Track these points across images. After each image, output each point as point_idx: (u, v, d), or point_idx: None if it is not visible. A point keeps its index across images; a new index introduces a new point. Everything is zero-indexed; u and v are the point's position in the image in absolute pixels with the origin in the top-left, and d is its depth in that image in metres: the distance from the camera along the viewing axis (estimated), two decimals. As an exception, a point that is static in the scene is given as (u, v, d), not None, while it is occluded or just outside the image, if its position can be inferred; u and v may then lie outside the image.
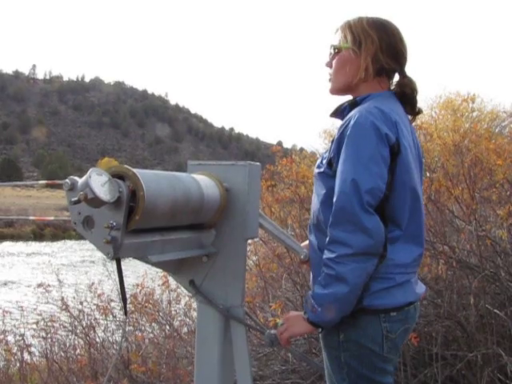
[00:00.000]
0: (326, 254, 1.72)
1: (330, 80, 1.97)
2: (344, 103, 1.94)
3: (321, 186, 1.85)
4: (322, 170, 1.85)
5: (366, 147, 1.71)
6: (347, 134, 1.75)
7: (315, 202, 1.89)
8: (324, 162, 1.86)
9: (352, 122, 1.75)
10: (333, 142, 1.82)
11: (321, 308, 1.71)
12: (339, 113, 1.96)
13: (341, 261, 1.68)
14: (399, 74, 1.94)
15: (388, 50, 1.88)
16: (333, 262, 1.69)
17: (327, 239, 1.73)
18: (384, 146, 1.72)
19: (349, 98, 1.97)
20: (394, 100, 1.90)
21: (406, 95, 1.92)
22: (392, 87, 1.94)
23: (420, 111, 2.00)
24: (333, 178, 1.78)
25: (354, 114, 1.79)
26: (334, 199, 1.72)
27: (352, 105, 1.89)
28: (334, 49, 1.94)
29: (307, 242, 2.12)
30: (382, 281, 1.76)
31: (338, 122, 1.97)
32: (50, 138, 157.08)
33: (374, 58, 1.87)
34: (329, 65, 1.96)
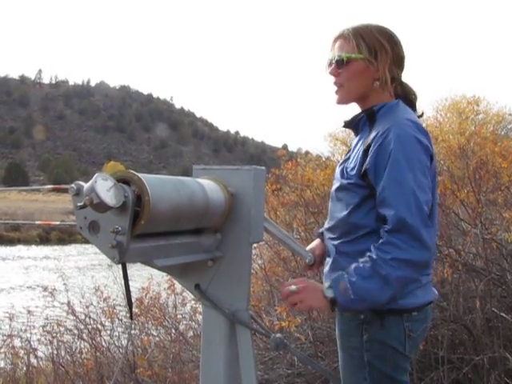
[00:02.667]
0: (379, 254, 1.72)
1: (338, 90, 1.96)
2: (360, 114, 1.95)
3: (351, 194, 1.87)
4: (352, 181, 1.86)
5: (416, 160, 1.76)
6: (391, 148, 1.76)
7: (340, 208, 1.91)
8: (352, 172, 1.87)
9: (392, 136, 1.77)
10: (365, 152, 1.83)
11: (355, 296, 1.72)
12: (354, 123, 1.97)
13: (394, 264, 1.70)
14: (398, 81, 1.97)
15: (397, 60, 1.93)
16: (385, 262, 1.71)
17: (382, 240, 1.74)
18: (427, 157, 1.79)
19: (353, 105, 1.99)
20: (408, 108, 1.94)
21: (411, 101, 1.97)
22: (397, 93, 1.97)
23: (422, 114, 2.04)
24: (366, 188, 1.82)
25: (385, 126, 1.80)
26: (390, 209, 1.74)
27: (370, 115, 1.91)
28: (347, 58, 1.91)
29: (312, 244, 2.13)
30: (410, 283, 1.80)
31: (344, 123, 2.02)
32: (55, 142, 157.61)
33: (388, 69, 1.90)
34: (336, 73, 1.94)
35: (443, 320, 3.59)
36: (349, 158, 1.94)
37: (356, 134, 2.00)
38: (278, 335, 1.94)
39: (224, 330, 2.00)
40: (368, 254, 1.75)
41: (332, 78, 1.97)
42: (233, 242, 1.99)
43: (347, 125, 2.02)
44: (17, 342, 5.68)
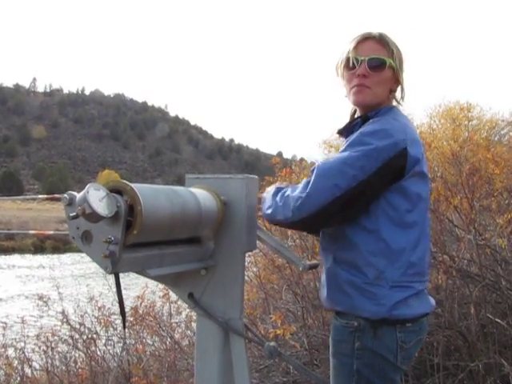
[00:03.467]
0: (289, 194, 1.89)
1: (360, 90, 1.94)
2: (356, 120, 1.97)
3: None
4: None
5: (369, 145, 1.79)
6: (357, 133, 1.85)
7: None
8: None
9: (365, 128, 1.85)
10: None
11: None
12: (349, 129, 1.99)
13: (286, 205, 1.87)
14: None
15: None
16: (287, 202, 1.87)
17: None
18: (392, 153, 1.78)
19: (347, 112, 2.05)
20: (403, 114, 1.97)
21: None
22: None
23: None
24: None
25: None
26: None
27: (365, 120, 1.93)
28: (387, 63, 1.92)
29: None
30: (403, 289, 1.82)
31: (339, 131, 2.06)
32: (50, 151, 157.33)
33: (403, 82, 1.99)
34: (367, 74, 1.91)
35: (438, 326, 3.59)
36: None
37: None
38: (272, 343, 1.95)
39: (218, 339, 2.00)
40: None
41: (351, 77, 1.95)
42: (226, 251, 1.99)
43: (340, 132, 2.04)
44: (11, 352, 5.65)
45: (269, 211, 1.92)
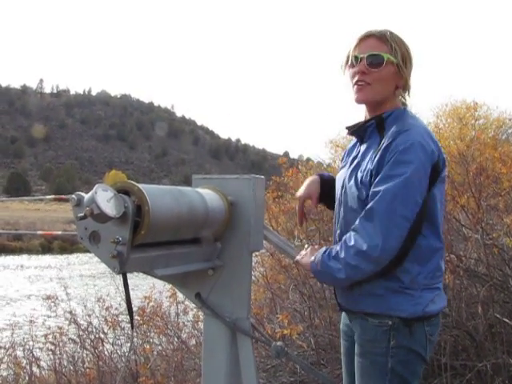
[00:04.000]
0: (345, 238, 1.85)
1: (361, 88, 1.94)
2: (370, 121, 1.96)
3: None
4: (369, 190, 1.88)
5: (415, 167, 1.80)
6: (394, 152, 1.82)
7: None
8: (366, 179, 1.88)
9: (398, 142, 1.83)
10: (380, 160, 1.86)
11: (321, 268, 1.88)
12: (361, 130, 1.99)
13: (351, 252, 1.81)
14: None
15: (411, 70, 1.98)
16: (346, 247, 1.83)
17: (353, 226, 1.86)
18: (430, 162, 1.82)
19: (357, 111, 2.03)
20: (415, 115, 1.99)
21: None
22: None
23: None
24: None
25: (394, 133, 1.85)
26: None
27: (379, 122, 1.93)
28: (386, 58, 1.92)
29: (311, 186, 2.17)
30: (432, 290, 1.89)
31: (349, 130, 2.05)
32: (57, 152, 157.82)
33: (408, 80, 1.98)
34: (366, 71, 1.92)
35: (445, 326, 3.58)
36: (358, 166, 1.94)
37: (361, 142, 2.01)
38: (279, 343, 1.95)
39: (225, 339, 2.01)
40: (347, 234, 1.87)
41: (352, 75, 1.96)
42: (233, 251, 2.00)
43: (352, 132, 2.03)
44: (19, 352, 5.67)
45: (343, 275, 1.83)
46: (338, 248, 1.85)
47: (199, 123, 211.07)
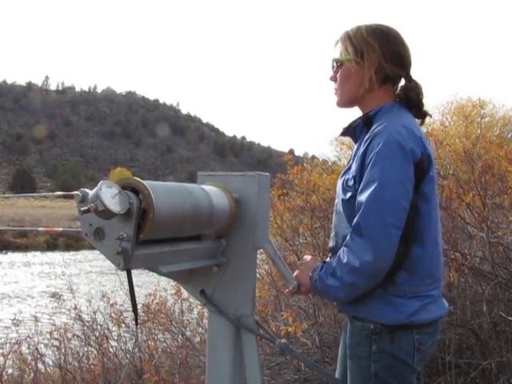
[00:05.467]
0: (340, 255, 1.78)
1: (336, 94, 1.96)
2: (356, 120, 1.92)
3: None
4: (352, 193, 1.83)
5: (394, 170, 1.72)
6: (372, 155, 1.75)
7: (345, 225, 1.85)
8: (350, 183, 1.84)
9: (375, 142, 1.75)
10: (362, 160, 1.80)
11: (320, 288, 1.84)
12: (351, 130, 1.94)
13: (347, 269, 1.75)
14: (405, 79, 1.92)
15: (391, 57, 1.86)
16: (341, 265, 1.77)
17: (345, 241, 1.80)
18: (409, 164, 1.73)
19: (355, 110, 1.97)
20: (405, 111, 1.88)
21: (411, 100, 1.89)
22: (397, 92, 1.92)
23: (426, 114, 1.95)
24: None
25: (373, 132, 1.78)
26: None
27: (366, 120, 1.87)
28: (337, 62, 1.92)
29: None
30: (422, 298, 1.81)
31: (342, 131, 1.99)
32: (62, 149, 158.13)
33: (377, 67, 1.85)
34: (333, 79, 1.94)
35: (450, 324, 3.58)
36: (350, 168, 1.89)
37: (355, 141, 1.94)
38: (284, 340, 1.94)
39: (229, 336, 2.01)
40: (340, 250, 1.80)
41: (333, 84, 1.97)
42: (238, 248, 1.99)
43: (344, 133, 1.98)
44: (24, 348, 5.69)
45: (344, 294, 1.78)
46: (334, 264, 1.79)
47: (204, 120, 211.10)
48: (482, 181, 3.78)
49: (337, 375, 2.05)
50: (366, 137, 1.81)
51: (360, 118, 1.90)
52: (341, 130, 1.99)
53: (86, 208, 1.50)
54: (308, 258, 2.00)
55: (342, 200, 1.87)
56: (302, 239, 4.98)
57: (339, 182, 1.94)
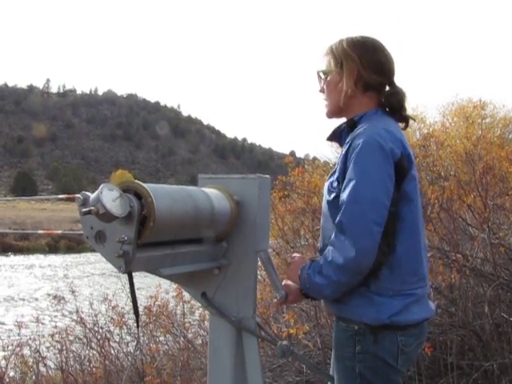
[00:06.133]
0: (325, 254, 1.81)
1: (325, 105, 2.03)
2: (341, 125, 1.98)
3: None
4: (336, 194, 1.86)
5: (375, 170, 1.78)
6: (353, 156, 1.80)
7: (331, 226, 1.86)
8: (335, 184, 1.88)
9: (356, 144, 1.80)
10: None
11: (309, 286, 1.86)
12: (337, 135, 2.01)
13: (332, 267, 1.78)
14: (389, 86, 1.98)
15: (370, 66, 1.93)
16: (326, 263, 1.79)
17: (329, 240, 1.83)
18: (389, 164, 1.78)
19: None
20: (388, 117, 1.94)
21: (393, 106, 1.96)
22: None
23: (408, 118, 2.01)
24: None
25: (354, 135, 1.85)
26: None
27: (350, 125, 1.93)
28: (323, 74, 2.01)
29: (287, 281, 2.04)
30: (404, 297, 1.82)
31: (328, 136, 2.06)
32: (63, 151, 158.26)
33: (356, 75, 1.92)
34: (322, 90, 2.03)
35: (452, 325, 3.58)
36: (335, 172, 1.92)
37: (341, 146, 1.99)
38: (285, 342, 1.95)
39: (231, 338, 2.01)
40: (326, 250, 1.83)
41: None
42: (239, 250, 2.00)
43: (331, 138, 2.04)
44: (26, 351, 5.69)
45: (330, 292, 1.82)
46: (321, 262, 1.82)
47: (205, 122, 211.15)
48: (483, 182, 3.78)
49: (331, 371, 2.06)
50: (348, 139, 1.88)
51: (345, 122, 1.98)
52: (327, 135, 2.06)
53: (87, 209, 1.51)
54: (296, 256, 2.02)
55: (328, 201, 1.90)
56: (304, 241, 4.98)
57: (325, 185, 1.97)
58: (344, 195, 1.78)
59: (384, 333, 1.79)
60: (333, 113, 2.01)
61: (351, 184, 1.76)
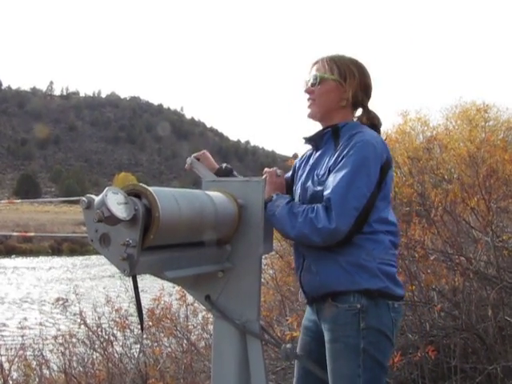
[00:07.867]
0: (309, 211, 2.00)
1: (310, 105, 2.23)
2: (325, 129, 2.20)
3: None
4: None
5: (367, 163, 2.04)
6: (349, 147, 2.05)
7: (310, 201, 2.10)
8: (323, 178, 2.10)
9: (354, 140, 2.07)
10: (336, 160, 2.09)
11: (277, 214, 2.05)
12: (317, 138, 2.22)
13: (308, 224, 1.98)
14: (364, 108, 2.24)
15: (364, 88, 2.22)
16: (306, 218, 1.99)
17: (318, 206, 2.01)
18: (379, 162, 2.05)
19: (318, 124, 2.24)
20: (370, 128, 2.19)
21: (376, 126, 2.22)
22: (355, 119, 2.25)
23: (385, 139, 2.31)
24: None
25: (350, 135, 2.09)
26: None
27: (334, 131, 2.16)
28: (320, 77, 2.20)
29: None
30: (390, 266, 2.06)
31: (305, 139, 2.27)
32: (67, 154, 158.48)
33: (354, 92, 2.19)
34: (309, 91, 2.22)
35: (455, 329, 3.58)
36: (314, 169, 2.16)
37: (316, 149, 2.22)
38: (289, 345, 1.95)
39: (234, 341, 2.01)
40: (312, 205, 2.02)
41: (306, 96, 2.24)
42: (242, 253, 2.00)
43: (309, 139, 2.25)
44: (29, 353, 5.70)
45: (293, 233, 2.03)
46: (300, 209, 2.02)
47: (208, 125, 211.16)
48: (487, 185, 3.78)
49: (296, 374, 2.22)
50: (343, 140, 2.10)
51: (329, 128, 2.18)
52: (303, 139, 2.28)
53: (96, 219, 1.52)
54: (279, 172, 2.26)
55: (314, 191, 2.11)
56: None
57: (301, 178, 2.21)
58: (338, 176, 2.00)
59: (383, 308, 2.00)
60: (321, 116, 2.22)
61: (346, 170, 2.00)
